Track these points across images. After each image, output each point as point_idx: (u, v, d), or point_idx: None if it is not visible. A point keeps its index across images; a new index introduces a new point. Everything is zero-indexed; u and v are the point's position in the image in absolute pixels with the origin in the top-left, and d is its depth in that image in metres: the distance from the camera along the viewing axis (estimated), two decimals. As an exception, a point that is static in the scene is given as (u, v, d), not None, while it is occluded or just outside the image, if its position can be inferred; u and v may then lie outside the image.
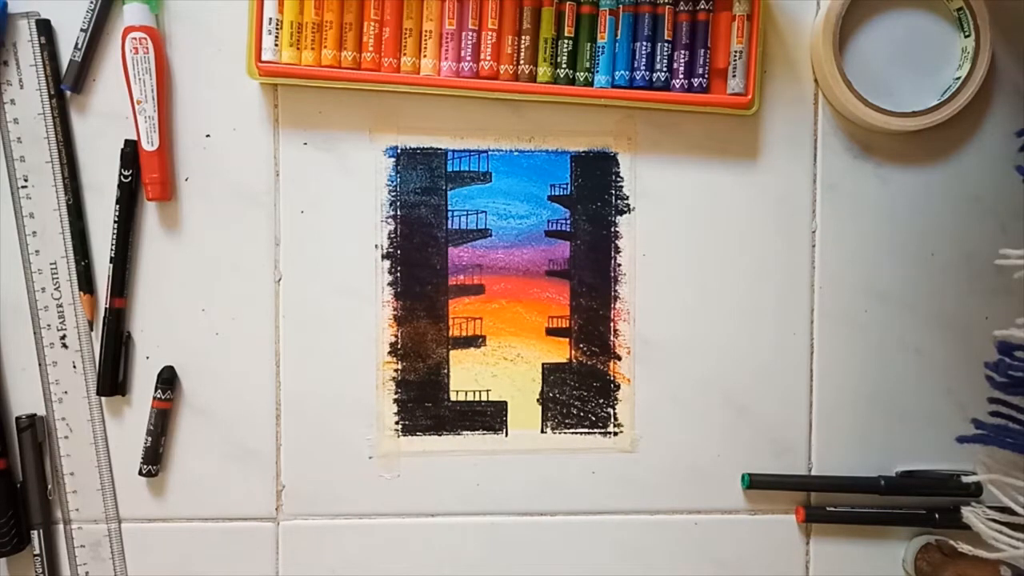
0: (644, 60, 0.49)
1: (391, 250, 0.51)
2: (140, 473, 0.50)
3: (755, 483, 0.51)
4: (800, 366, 0.52)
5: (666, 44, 0.49)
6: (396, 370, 0.51)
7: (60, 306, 0.50)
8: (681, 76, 0.49)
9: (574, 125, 0.51)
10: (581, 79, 0.50)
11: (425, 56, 0.49)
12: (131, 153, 0.49)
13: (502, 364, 0.51)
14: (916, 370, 0.52)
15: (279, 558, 0.51)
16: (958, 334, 0.52)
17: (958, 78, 0.49)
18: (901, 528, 0.52)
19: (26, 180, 0.49)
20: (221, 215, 0.50)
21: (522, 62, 0.49)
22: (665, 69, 0.49)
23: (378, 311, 0.51)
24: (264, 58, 0.48)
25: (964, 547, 0.47)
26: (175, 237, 0.50)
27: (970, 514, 0.47)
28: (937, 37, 0.50)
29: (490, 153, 0.51)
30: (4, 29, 0.48)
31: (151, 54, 0.48)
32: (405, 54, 0.49)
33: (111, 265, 0.49)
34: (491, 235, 0.51)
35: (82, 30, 0.48)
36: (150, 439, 0.50)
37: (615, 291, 0.52)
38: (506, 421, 0.52)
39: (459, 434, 0.51)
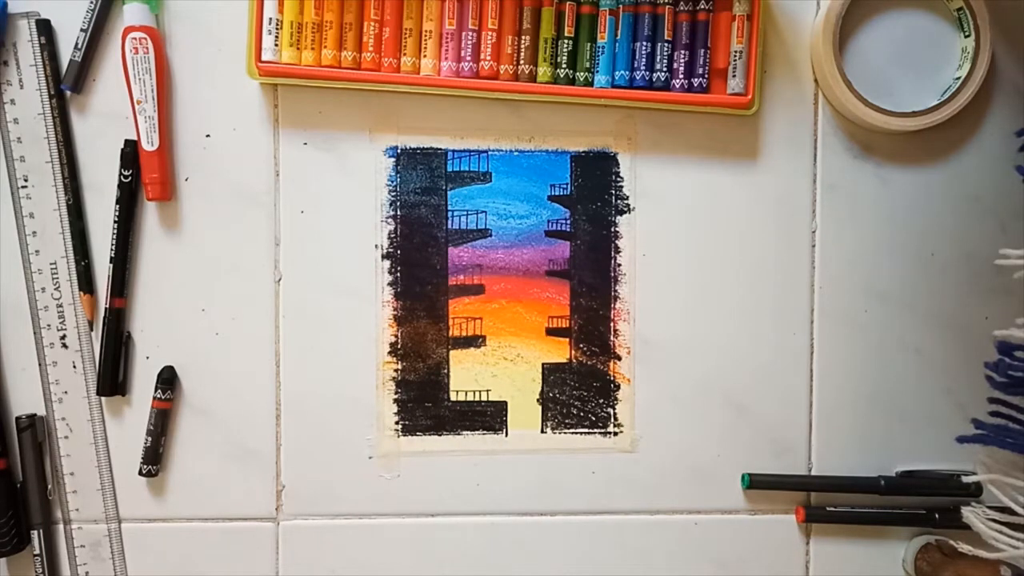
0: (644, 60, 0.49)
1: (391, 250, 0.51)
2: (140, 473, 0.50)
3: (755, 483, 0.51)
4: (800, 366, 0.52)
5: (666, 44, 0.49)
6: (396, 370, 0.51)
7: (60, 306, 0.50)
8: (681, 76, 0.49)
9: (574, 125, 0.51)
10: (581, 79, 0.50)
11: (425, 56, 0.49)
12: (131, 153, 0.49)
13: (502, 364, 0.51)
14: (916, 370, 0.52)
15: (279, 558, 0.51)
16: (958, 334, 0.52)
17: (958, 78, 0.49)
18: (901, 528, 0.52)
19: (26, 180, 0.49)
20: (221, 215, 0.50)
21: (522, 62, 0.49)
22: (665, 69, 0.49)
23: (378, 311, 0.51)
24: (264, 58, 0.48)
25: (964, 547, 0.47)
26: (175, 237, 0.50)
27: (970, 514, 0.47)
28: (937, 37, 0.50)
29: (490, 153, 0.51)
30: (4, 29, 0.48)
31: (151, 54, 0.48)
32: (405, 54, 0.49)
33: (111, 265, 0.49)
34: (491, 235, 0.51)
35: (82, 30, 0.48)
36: (150, 439, 0.50)
37: (615, 291, 0.52)
38: (506, 421, 0.52)
39: (459, 434, 0.51)
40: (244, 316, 0.50)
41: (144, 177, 0.49)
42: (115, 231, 0.49)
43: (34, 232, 0.49)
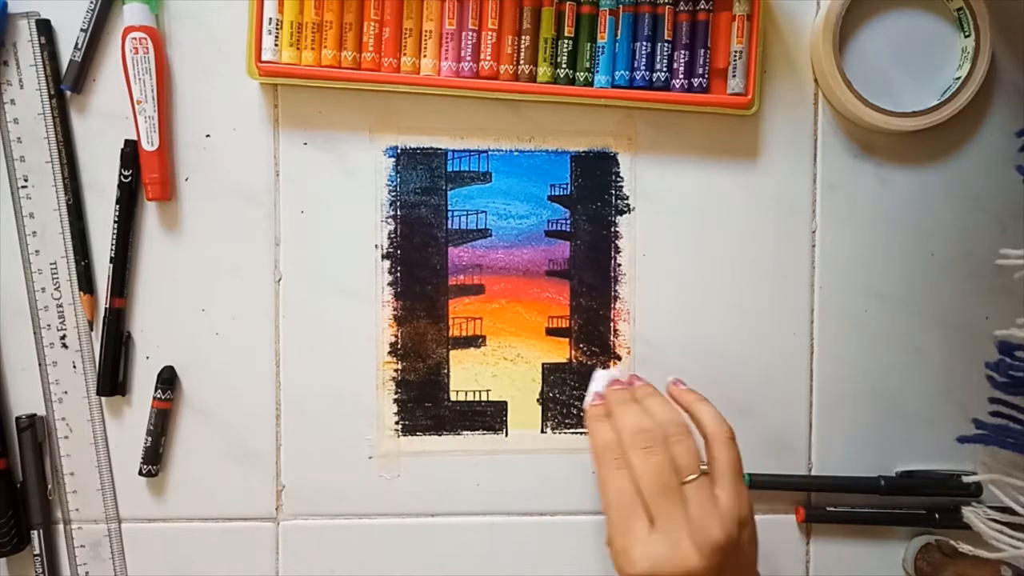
0: (644, 60, 0.49)
1: (391, 250, 0.51)
2: (140, 473, 0.50)
3: (755, 483, 0.51)
4: (800, 366, 0.52)
5: (666, 44, 0.49)
6: (396, 370, 0.51)
7: (60, 306, 0.50)
8: (681, 76, 0.49)
9: (574, 125, 0.51)
10: (581, 79, 0.50)
11: (425, 56, 0.49)
12: (131, 153, 0.49)
13: (502, 364, 0.51)
14: (916, 370, 0.52)
15: (279, 558, 0.51)
16: (958, 334, 0.52)
17: (958, 78, 0.49)
18: (901, 528, 0.52)
19: (26, 180, 0.49)
20: (221, 215, 0.50)
21: (522, 62, 0.49)
22: (665, 69, 0.49)
23: (378, 311, 0.51)
24: (264, 58, 0.48)
25: (964, 547, 0.47)
26: (175, 237, 0.50)
27: (970, 514, 0.47)
28: (937, 37, 0.50)
29: (490, 153, 0.51)
30: (4, 29, 0.48)
31: (151, 54, 0.48)
32: (405, 54, 0.49)
33: (111, 265, 0.49)
34: (491, 235, 0.51)
35: (82, 30, 0.48)
36: (150, 439, 0.50)
37: (615, 291, 0.52)
38: (506, 421, 0.52)
39: (459, 434, 0.51)
40: (244, 316, 0.50)
41: (144, 177, 0.49)
42: (115, 231, 0.49)
43: (34, 232, 0.49)
